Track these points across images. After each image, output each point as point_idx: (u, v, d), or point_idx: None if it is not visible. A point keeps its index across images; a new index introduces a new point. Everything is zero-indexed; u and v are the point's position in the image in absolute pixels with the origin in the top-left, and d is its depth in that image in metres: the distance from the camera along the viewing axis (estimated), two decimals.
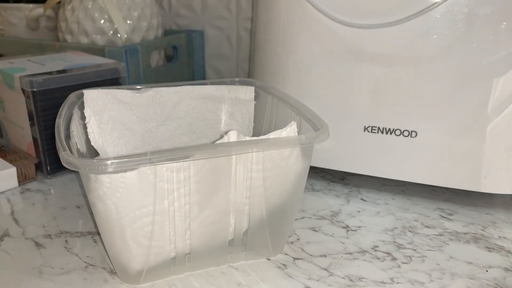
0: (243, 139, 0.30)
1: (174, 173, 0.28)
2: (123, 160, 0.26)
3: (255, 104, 0.42)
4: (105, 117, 0.38)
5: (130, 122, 0.40)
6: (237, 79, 0.43)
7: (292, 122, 0.32)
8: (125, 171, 0.26)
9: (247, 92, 0.42)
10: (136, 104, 0.40)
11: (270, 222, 0.33)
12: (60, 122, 0.33)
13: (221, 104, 0.43)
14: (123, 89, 0.39)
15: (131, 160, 0.26)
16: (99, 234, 0.37)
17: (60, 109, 0.35)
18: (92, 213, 0.39)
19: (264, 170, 0.30)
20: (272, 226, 0.33)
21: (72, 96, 0.37)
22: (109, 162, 0.26)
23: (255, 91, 0.42)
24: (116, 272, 0.32)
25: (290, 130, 0.32)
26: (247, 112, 0.43)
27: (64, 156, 0.27)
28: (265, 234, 0.33)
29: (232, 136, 0.30)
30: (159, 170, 0.27)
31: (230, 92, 0.42)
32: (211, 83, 0.42)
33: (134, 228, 0.28)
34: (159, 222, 0.29)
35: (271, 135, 0.31)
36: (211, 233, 0.31)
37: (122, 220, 0.28)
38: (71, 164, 0.26)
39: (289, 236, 0.37)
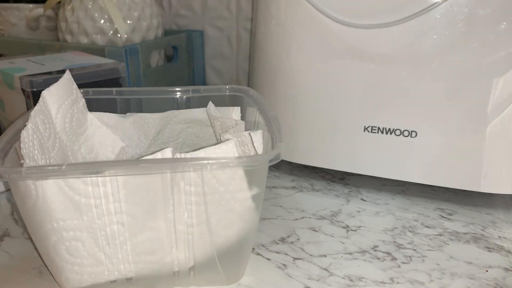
0: (176, 157, 0.27)
1: (91, 187, 0.26)
2: (34, 169, 0.25)
3: (247, 115, 0.40)
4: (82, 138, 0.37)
5: (114, 146, 0.38)
6: (227, 86, 0.41)
7: (230, 140, 0.28)
8: (36, 179, 0.25)
9: (233, 113, 0.40)
10: (121, 129, 0.39)
11: (220, 255, 0.29)
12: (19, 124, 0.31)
13: (208, 128, 0.41)
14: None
15: (43, 170, 0.25)
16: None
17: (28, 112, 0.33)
18: None
19: (205, 194, 0.27)
20: (223, 259, 0.30)
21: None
22: (22, 169, 0.25)
23: (247, 101, 0.39)
24: None
25: (226, 148, 0.28)
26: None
27: None
28: (216, 267, 0.30)
29: (167, 153, 0.27)
30: (73, 183, 0.26)
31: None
32: (205, 90, 0.40)
33: (55, 240, 0.27)
34: (81, 238, 0.27)
35: (202, 152, 0.28)
36: (151, 262, 0.29)
37: (41, 229, 0.27)
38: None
39: (289, 236, 0.37)
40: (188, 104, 0.40)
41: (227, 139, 0.29)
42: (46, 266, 0.32)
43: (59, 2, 0.65)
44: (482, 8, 0.36)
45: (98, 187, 0.26)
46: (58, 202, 0.26)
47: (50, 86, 0.34)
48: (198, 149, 0.28)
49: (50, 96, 0.33)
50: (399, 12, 0.38)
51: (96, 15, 0.60)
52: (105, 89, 0.40)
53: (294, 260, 0.34)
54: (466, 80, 0.38)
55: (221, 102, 0.40)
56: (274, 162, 0.26)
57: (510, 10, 0.36)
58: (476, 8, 0.37)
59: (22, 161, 0.28)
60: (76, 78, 0.47)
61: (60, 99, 0.34)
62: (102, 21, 0.61)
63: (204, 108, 0.40)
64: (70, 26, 0.62)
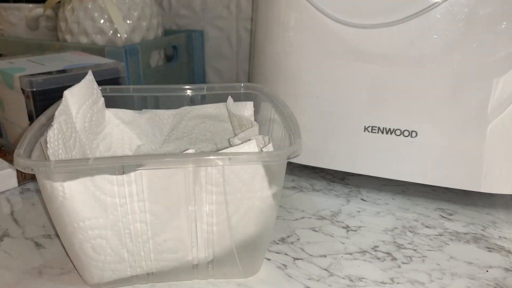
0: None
1: (116, 187, 0.27)
2: (63, 162, 0.26)
3: (261, 113, 0.40)
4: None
5: (130, 143, 0.39)
6: (242, 84, 0.41)
7: (251, 140, 0.29)
8: (63, 173, 0.26)
9: (247, 108, 0.40)
10: (137, 126, 0.40)
11: (239, 250, 0.30)
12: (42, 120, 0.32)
13: (221, 123, 0.41)
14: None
15: (71, 163, 0.26)
16: None
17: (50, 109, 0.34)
18: None
19: (226, 193, 0.28)
20: (242, 254, 0.31)
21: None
22: (51, 162, 0.25)
23: (261, 98, 0.40)
24: None
25: (248, 148, 0.28)
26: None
27: (15, 156, 0.26)
28: (234, 261, 0.31)
29: (190, 151, 0.28)
30: (100, 182, 0.26)
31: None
32: (220, 88, 0.41)
33: (80, 238, 0.28)
34: (105, 236, 0.28)
35: (229, 151, 0.28)
36: (173, 260, 0.30)
37: (67, 228, 0.28)
38: (18, 164, 0.26)
39: (289, 236, 0.37)
40: (202, 101, 0.41)
41: (248, 140, 0.30)
42: (72, 262, 0.33)
43: (59, 2, 0.65)
44: (482, 8, 0.36)
45: (123, 187, 0.27)
46: (85, 201, 0.27)
47: (72, 87, 0.35)
48: (212, 144, 0.28)
49: (72, 96, 0.34)
50: (399, 12, 0.38)
51: (96, 15, 0.60)
52: (122, 86, 0.41)
53: (294, 260, 0.34)
54: (466, 80, 0.38)
55: (235, 100, 0.41)
56: (293, 157, 0.27)
57: (510, 10, 0.36)
58: (476, 8, 0.36)
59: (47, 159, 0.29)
60: (76, 78, 0.47)
61: (81, 99, 0.35)
62: (102, 21, 0.61)
63: (217, 104, 0.41)
64: (70, 26, 0.62)
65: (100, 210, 0.27)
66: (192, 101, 0.41)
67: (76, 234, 0.28)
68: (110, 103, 0.40)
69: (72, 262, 0.33)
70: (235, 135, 0.40)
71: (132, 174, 0.27)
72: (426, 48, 0.38)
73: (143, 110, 0.40)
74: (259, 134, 0.36)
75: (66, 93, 0.34)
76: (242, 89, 0.41)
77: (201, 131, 0.41)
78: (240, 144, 0.30)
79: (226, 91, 0.41)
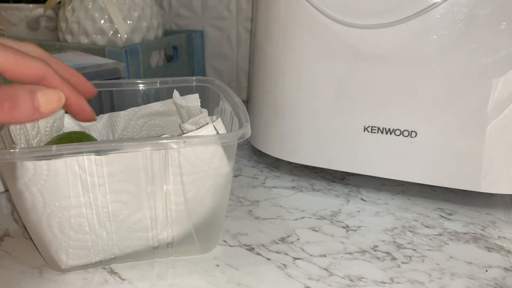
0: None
1: (95, 166, 0.28)
2: (27, 149, 0.27)
3: (211, 103, 0.42)
4: None
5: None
6: (194, 78, 0.43)
7: (208, 124, 0.32)
8: (27, 160, 0.27)
9: (193, 100, 0.42)
10: (95, 130, 0.41)
11: (197, 228, 0.33)
12: None
13: (170, 117, 0.43)
14: None
15: (35, 150, 0.27)
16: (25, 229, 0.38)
17: None
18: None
19: (185, 174, 0.30)
20: (199, 232, 0.33)
21: None
22: (16, 151, 0.27)
23: (212, 91, 0.42)
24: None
25: (207, 131, 0.31)
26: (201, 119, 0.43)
27: None
28: (193, 241, 0.34)
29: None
30: (81, 160, 0.28)
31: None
32: (172, 82, 0.42)
33: (61, 218, 0.29)
34: (84, 215, 0.30)
35: (188, 135, 0.31)
36: (134, 239, 0.32)
37: (48, 208, 0.29)
38: None
39: (289, 236, 0.37)
40: (157, 95, 0.43)
41: (206, 124, 0.32)
42: (37, 248, 0.33)
43: (59, 2, 0.65)
44: (482, 8, 0.36)
45: (101, 167, 0.29)
46: (68, 179, 0.28)
47: None
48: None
49: None
50: (399, 12, 0.38)
51: (96, 15, 0.60)
52: None
53: (294, 260, 0.34)
54: (466, 80, 0.38)
55: (188, 92, 0.42)
56: (242, 140, 0.30)
57: (510, 10, 0.36)
58: (476, 8, 0.37)
59: (13, 145, 0.31)
60: None
61: None
62: (102, 21, 0.61)
63: (164, 101, 0.42)
64: (70, 26, 0.62)
65: (81, 188, 0.29)
66: (146, 95, 0.42)
67: (55, 213, 0.29)
68: None
69: (39, 250, 0.33)
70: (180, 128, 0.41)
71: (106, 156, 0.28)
72: (426, 48, 0.38)
73: (100, 115, 0.41)
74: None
75: None
76: (194, 82, 0.42)
77: (150, 127, 0.43)
78: (196, 129, 0.32)
79: (179, 84, 0.42)
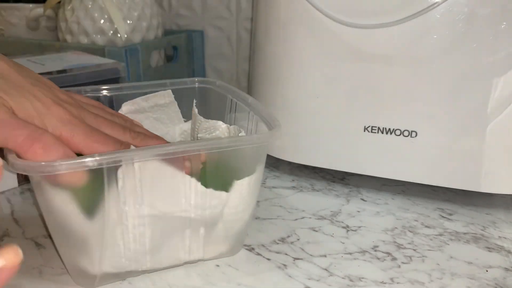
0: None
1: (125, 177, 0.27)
2: (70, 161, 0.25)
3: (213, 104, 0.42)
4: None
5: None
6: (196, 79, 0.43)
7: (220, 124, 0.32)
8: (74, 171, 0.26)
9: (165, 96, 0.42)
10: None
11: (229, 233, 0.33)
12: None
13: (141, 114, 0.42)
14: None
15: (78, 162, 0.26)
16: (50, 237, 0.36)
17: None
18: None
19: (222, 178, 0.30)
20: (234, 238, 0.34)
21: None
22: (56, 163, 0.25)
23: (214, 91, 0.42)
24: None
25: (218, 133, 0.32)
26: (173, 113, 0.43)
27: (11, 159, 0.25)
28: (226, 244, 0.34)
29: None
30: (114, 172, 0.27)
31: (148, 101, 0.42)
32: (171, 84, 0.42)
33: (123, 225, 0.29)
34: (145, 223, 0.29)
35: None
36: (168, 246, 0.31)
37: (110, 216, 0.28)
38: (18, 167, 0.25)
39: (289, 236, 0.37)
40: None
41: (218, 125, 0.32)
42: (65, 264, 0.32)
43: (59, 2, 0.65)
44: (482, 8, 0.36)
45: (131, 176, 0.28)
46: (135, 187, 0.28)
47: None
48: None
49: None
50: (399, 12, 0.38)
51: (96, 15, 0.60)
52: (79, 88, 0.41)
53: (294, 260, 0.34)
54: (466, 80, 0.38)
55: (190, 94, 0.42)
56: (275, 140, 0.30)
57: (510, 10, 0.36)
58: (476, 8, 0.37)
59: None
60: (76, 78, 0.47)
61: None
62: (102, 21, 0.61)
63: (135, 100, 0.41)
64: (70, 26, 0.62)
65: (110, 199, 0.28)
66: None
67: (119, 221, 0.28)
68: None
69: (64, 263, 0.32)
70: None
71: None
72: (426, 48, 0.38)
73: None
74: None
75: None
76: (196, 83, 0.42)
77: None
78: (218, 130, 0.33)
79: (179, 86, 0.42)
